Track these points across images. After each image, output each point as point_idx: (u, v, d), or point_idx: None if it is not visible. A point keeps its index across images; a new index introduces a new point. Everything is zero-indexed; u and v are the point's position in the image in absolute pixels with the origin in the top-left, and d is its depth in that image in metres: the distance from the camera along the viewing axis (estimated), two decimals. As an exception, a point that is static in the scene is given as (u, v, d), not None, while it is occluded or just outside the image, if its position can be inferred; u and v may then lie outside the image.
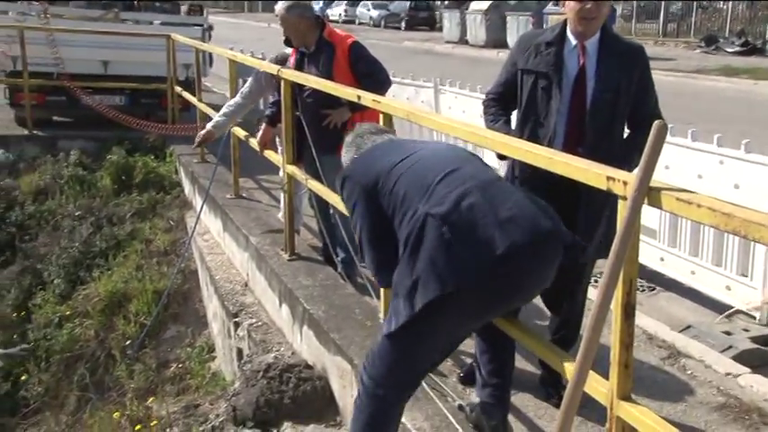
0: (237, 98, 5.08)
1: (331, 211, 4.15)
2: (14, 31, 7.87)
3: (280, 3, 4.20)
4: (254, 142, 4.89)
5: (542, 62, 2.70)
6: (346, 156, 2.62)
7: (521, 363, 3.20)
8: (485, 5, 23.51)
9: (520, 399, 2.91)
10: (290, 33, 4.26)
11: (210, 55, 8.94)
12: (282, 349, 3.91)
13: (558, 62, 2.67)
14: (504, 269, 2.06)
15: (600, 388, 1.82)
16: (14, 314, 6.38)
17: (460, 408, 2.77)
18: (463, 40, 24.70)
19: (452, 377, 3.06)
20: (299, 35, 4.22)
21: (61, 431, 4.99)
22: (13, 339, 6.16)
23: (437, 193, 2.17)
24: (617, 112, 2.68)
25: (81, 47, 8.27)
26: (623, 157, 2.49)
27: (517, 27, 21.05)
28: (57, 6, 9.04)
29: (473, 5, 24.47)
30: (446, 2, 30.44)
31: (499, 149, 2.40)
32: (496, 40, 22.54)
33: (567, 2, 2.68)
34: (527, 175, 2.69)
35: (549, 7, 20.35)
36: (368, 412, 2.31)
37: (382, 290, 3.14)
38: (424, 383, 2.90)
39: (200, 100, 7.15)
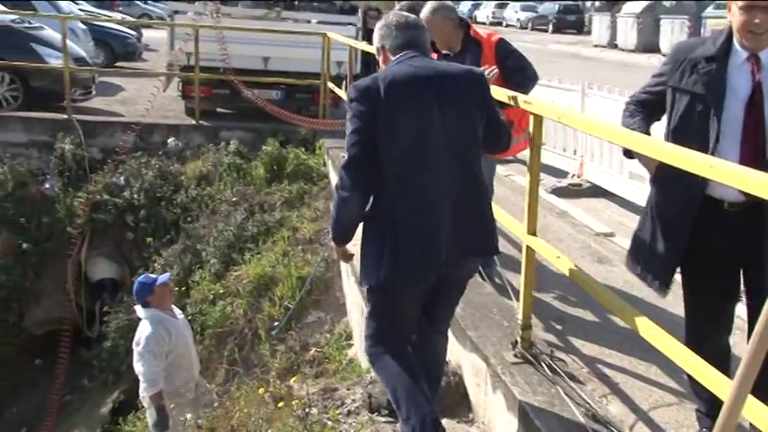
0: None
1: None
2: (191, 30, 8.61)
3: (425, 7, 4.29)
4: None
5: (699, 81, 2.35)
6: (376, 36, 2.81)
7: (663, 377, 3.08)
8: (638, 8, 22.50)
9: (660, 414, 2.80)
10: (434, 36, 4.32)
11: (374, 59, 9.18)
12: (418, 342, 4.00)
13: (720, 83, 2.31)
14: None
15: (761, 413, 1.70)
16: (176, 288, 6.97)
17: (594, 418, 2.71)
18: (612, 44, 23.82)
19: (589, 384, 2.99)
20: (443, 37, 4.29)
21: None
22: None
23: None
24: None
25: (245, 44, 8.88)
26: None
27: (671, 31, 19.96)
28: (227, 6, 9.76)
29: (626, 8, 23.53)
30: (597, 4, 29.45)
31: (647, 152, 2.27)
32: (648, 44, 21.54)
33: (731, 8, 2.33)
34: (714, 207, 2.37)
35: (710, 11, 18.96)
36: (381, 372, 2.70)
37: (522, 292, 3.12)
38: (559, 389, 2.88)
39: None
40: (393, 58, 2.69)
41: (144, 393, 4.70)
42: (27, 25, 9.52)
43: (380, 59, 2.81)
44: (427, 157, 2.53)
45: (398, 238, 2.53)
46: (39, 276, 7.76)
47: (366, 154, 2.52)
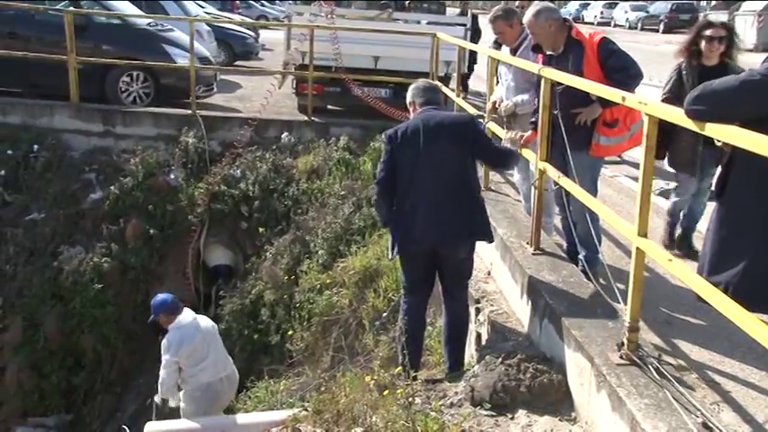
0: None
1: (570, 209, 4.22)
2: (306, 30, 8.96)
3: (528, 9, 4.33)
4: (504, 137, 5.00)
5: None
6: (409, 94, 4.30)
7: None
8: (760, 5, 21.23)
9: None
10: (540, 38, 4.36)
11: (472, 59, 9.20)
12: (521, 339, 4.03)
13: None
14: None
15: None
16: (286, 277, 7.33)
17: (705, 426, 2.66)
18: (730, 44, 22.57)
19: (699, 391, 2.93)
20: (549, 38, 4.31)
21: (317, 384, 5.65)
22: (283, 298, 7.11)
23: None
24: None
25: (357, 43, 9.15)
26: None
27: (794, 29, 18.75)
28: (341, 8, 10.09)
29: (745, 5, 22.29)
30: (713, 3, 27.97)
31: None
32: (768, 43, 20.32)
33: None
34: None
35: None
36: (401, 318, 4.30)
37: (630, 294, 3.10)
38: (667, 393, 2.85)
39: (458, 95, 7.48)
40: (418, 111, 4.17)
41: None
42: (159, 28, 10.24)
43: (411, 110, 4.26)
44: (417, 174, 3.97)
45: (402, 224, 4.04)
46: (162, 260, 8.35)
47: (388, 176, 4.06)
